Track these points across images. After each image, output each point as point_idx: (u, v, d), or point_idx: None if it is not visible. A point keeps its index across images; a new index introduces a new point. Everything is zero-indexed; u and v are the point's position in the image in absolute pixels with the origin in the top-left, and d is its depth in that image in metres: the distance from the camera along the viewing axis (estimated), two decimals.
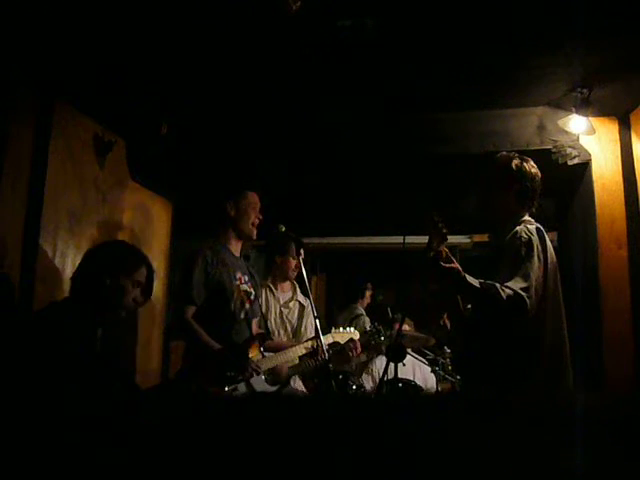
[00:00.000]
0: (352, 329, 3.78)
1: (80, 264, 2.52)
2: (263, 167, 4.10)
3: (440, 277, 2.33)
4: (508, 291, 2.23)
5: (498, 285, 2.25)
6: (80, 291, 2.44)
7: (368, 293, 5.61)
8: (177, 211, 4.58)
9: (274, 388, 3.16)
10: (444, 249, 2.34)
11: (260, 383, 3.06)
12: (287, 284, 3.89)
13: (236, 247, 3.20)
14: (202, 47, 2.90)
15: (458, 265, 2.33)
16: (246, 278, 3.18)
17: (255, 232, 3.17)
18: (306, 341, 3.46)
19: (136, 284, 2.47)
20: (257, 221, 3.15)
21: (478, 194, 2.60)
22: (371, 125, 3.89)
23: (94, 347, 2.36)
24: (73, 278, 2.48)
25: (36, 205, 2.93)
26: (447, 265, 2.30)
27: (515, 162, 2.50)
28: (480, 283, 2.29)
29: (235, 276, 3.10)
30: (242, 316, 3.11)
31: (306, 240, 3.79)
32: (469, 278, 2.30)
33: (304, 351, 3.36)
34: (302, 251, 3.54)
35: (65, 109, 3.18)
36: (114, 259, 2.47)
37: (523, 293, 2.22)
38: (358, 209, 5.17)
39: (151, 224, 4.25)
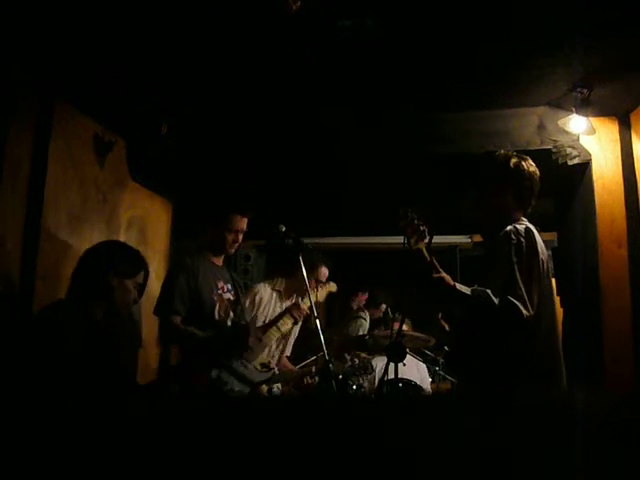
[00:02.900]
0: (330, 283, 3.83)
1: (84, 263, 2.53)
2: (263, 167, 4.10)
3: (431, 285, 2.28)
4: (501, 299, 2.18)
5: (489, 291, 2.19)
6: (82, 289, 2.45)
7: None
8: (177, 211, 4.59)
9: (268, 375, 3.17)
10: (426, 254, 2.27)
11: (252, 372, 3.09)
12: (294, 294, 3.97)
13: (217, 258, 3.22)
14: (202, 47, 2.90)
15: (445, 274, 2.27)
16: (229, 286, 3.20)
17: (232, 250, 3.21)
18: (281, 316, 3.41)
19: (137, 286, 2.55)
20: (235, 244, 3.17)
21: (475, 194, 2.54)
22: (371, 125, 3.89)
23: (95, 346, 2.36)
24: (75, 276, 2.49)
25: (36, 205, 2.93)
26: (436, 276, 2.25)
27: (513, 161, 2.43)
28: (472, 290, 2.25)
29: (217, 286, 3.12)
30: (229, 324, 3.14)
31: (306, 240, 3.80)
32: (459, 286, 2.25)
33: (289, 324, 3.38)
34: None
35: (65, 109, 3.18)
36: (119, 261, 2.52)
37: (517, 302, 2.16)
38: (358, 209, 5.17)
39: (151, 224, 4.25)
